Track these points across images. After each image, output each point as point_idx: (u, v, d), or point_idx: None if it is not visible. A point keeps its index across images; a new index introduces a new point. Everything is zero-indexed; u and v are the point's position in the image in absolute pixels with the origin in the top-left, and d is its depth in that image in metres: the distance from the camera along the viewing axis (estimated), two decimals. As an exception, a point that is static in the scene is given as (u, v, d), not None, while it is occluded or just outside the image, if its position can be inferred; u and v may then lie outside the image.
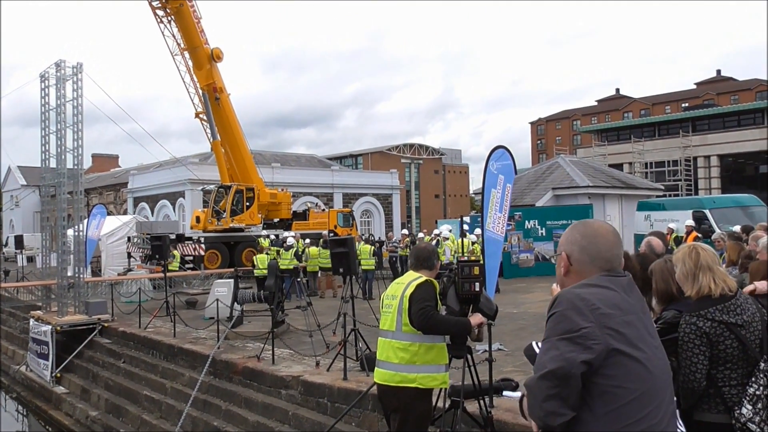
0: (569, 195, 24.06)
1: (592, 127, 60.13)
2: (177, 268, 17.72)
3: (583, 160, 30.71)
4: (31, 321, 14.32)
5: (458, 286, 4.02)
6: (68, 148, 13.69)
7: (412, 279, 3.96)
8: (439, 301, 3.89)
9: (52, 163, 13.96)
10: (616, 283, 1.95)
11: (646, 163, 44.16)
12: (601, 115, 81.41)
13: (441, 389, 4.45)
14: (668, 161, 43.34)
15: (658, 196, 27.21)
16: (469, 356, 4.27)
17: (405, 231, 23.45)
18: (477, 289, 3.98)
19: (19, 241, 32.57)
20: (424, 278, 3.93)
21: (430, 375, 3.83)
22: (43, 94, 14.04)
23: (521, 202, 23.68)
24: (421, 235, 20.72)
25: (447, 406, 4.23)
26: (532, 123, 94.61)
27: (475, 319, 3.94)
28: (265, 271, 15.15)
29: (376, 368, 4.05)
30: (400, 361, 3.82)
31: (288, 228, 24.84)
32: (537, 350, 2.33)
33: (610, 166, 36.88)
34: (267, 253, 16.46)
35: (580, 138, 78.68)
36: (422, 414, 3.84)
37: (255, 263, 15.75)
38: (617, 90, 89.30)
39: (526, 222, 19.71)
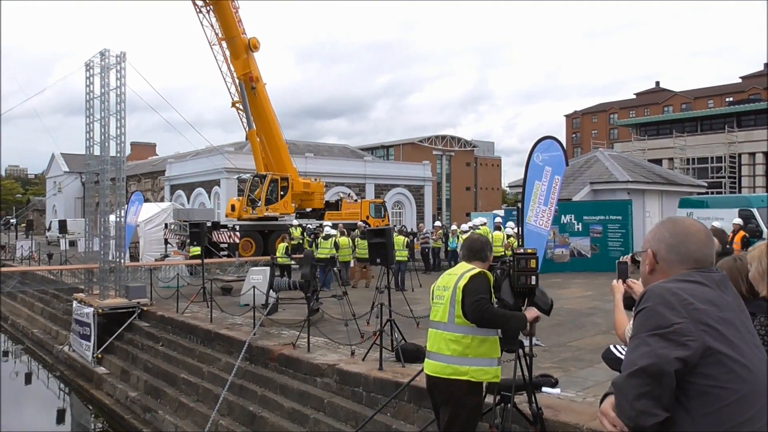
0: (608, 190, 23.54)
1: (630, 121, 58.65)
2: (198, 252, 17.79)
3: (623, 155, 29.98)
4: (74, 303, 14.73)
5: (513, 278, 3.92)
6: (111, 136, 14.01)
7: (465, 270, 3.89)
8: (492, 294, 3.83)
9: (96, 151, 14.30)
10: (708, 278, 1.86)
11: (688, 159, 42.91)
12: (639, 108, 79.44)
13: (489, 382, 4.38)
14: (711, 157, 42.01)
15: (699, 193, 26.41)
16: (520, 350, 4.19)
17: (438, 223, 23.27)
18: (533, 282, 3.90)
19: (62, 226, 33.62)
20: (477, 270, 3.86)
21: (482, 368, 3.76)
22: (87, 83, 14.36)
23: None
24: (454, 227, 20.49)
25: (497, 400, 4.13)
26: (567, 116, 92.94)
27: (531, 313, 3.86)
28: (283, 260, 15.38)
29: (426, 359, 3.99)
30: (452, 353, 3.77)
31: (321, 218, 25.00)
32: (617, 354, 2.27)
33: (650, 161, 35.93)
34: (290, 242, 16.61)
35: (618, 132, 76.96)
36: (473, 408, 3.79)
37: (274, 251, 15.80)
38: (657, 83, 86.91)
39: (563, 216, 19.36)
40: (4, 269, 18.29)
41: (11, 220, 48.66)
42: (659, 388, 1.66)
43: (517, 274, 3.92)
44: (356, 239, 17.07)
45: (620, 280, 2.79)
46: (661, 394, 1.66)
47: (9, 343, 19.64)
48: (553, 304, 4.06)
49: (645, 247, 2.06)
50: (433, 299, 4.07)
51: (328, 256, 15.29)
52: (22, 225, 48.71)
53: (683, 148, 42.86)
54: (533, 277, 3.92)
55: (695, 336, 1.69)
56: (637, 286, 2.70)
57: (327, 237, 15.79)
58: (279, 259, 15.58)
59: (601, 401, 1.88)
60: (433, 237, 20.38)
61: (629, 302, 2.69)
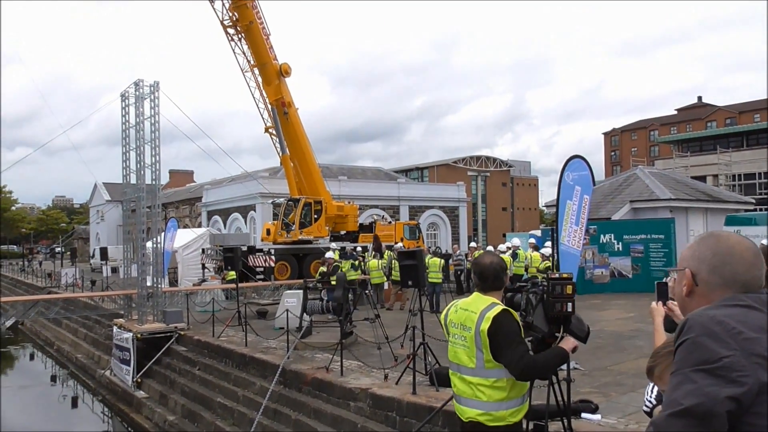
0: (649, 208, 23.00)
1: (671, 137, 57.40)
2: (233, 277, 17.78)
3: (664, 172, 29.30)
4: (114, 328, 15.07)
5: (548, 305, 3.70)
6: (146, 164, 14.40)
7: (484, 308, 3.51)
8: (521, 328, 3.57)
9: (133, 179, 14.70)
10: (758, 300, 1.64)
11: (734, 176, 41.58)
12: (681, 124, 77.65)
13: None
14: (759, 173, 40.61)
15: (747, 210, 25.52)
16: (553, 376, 4.04)
17: (473, 244, 23.15)
18: (569, 309, 3.69)
19: (103, 253, 34.58)
20: (499, 308, 3.49)
21: (518, 408, 3.56)
22: (123, 113, 14.87)
23: (596, 216, 22.85)
24: (473, 244, 20.20)
25: (529, 429, 3.93)
26: (605, 134, 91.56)
27: (568, 344, 3.62)
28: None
29: (456, 404, 3.70)
30: (490, 399, 3.49)
31: (355, 240, 25.13)
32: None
33: (693, 178, 35.00)
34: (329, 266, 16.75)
35: (658, 149, 75.29)
36: None
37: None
38: (699, 98, 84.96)
39: (602, 236, 18.99)
40: (49, 296, 18.85)
41: (57, 249, 50.39)
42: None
43: (553, 301, 3.69)
44: (392, 260, 17.08)
45: (660, 302, 2.65)
46: None
47: (56, 368, 20.26)
48: (589, 331, 3.83)
49: (682, 265, 1.82)
50: (450, 336, 3.72)
51: (359, 278, 15.33)
52: (67, 253, 50.42)
53: (728, 164, 41.60)
54: (569, 304, 3.71)
55: (748, 371, 1.48)
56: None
57: (348, 258, 15.74)
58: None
59: None
60: (470, 259, 20.11)
61: (671, 325, 2.57)
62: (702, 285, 1.75)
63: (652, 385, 2.74)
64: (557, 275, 3.84)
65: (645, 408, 2.86)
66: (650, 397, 2.81)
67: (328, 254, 16.61)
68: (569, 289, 3.72)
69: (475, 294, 3.67)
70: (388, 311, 15.95)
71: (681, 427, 1.46)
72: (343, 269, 15.68)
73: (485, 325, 3.42)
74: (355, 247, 21.51)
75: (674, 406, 1.49)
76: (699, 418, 1.45)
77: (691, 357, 1.53)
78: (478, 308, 3.52)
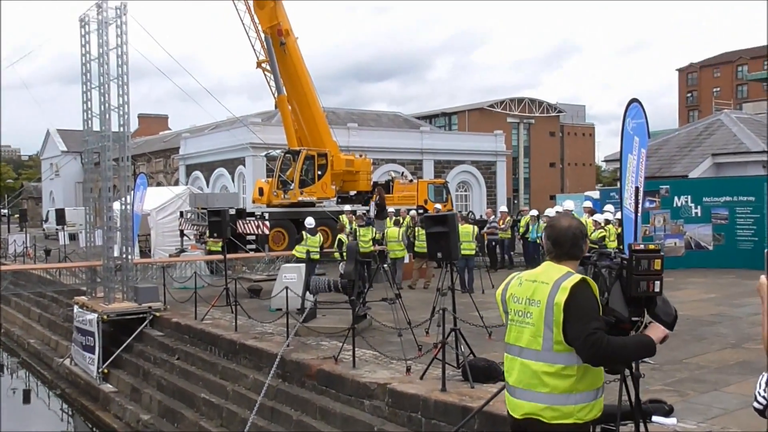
0: (735, 164, 22.66)
1: (765, 74, 56.06)
2: (218, 248, 17.59)
3: (755, 118, 28.74)
4: (75, 308, 15.23)
5: (630, 283, 3.69)
6: (113, 106, 14.25)
7: (558, 277, 3.52)
8: (600, 308, 3.56)
9: (95, 125, 14.62)
10: None
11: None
12: (778, 57, 75.83)
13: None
14: None
15: None
16: (626, 369, 4.05)
17: (504, 208, 22.86)
18: (657, 289, 3.71)
19: (60, 216, 35.00)
20: (576, 277, 3.49)
21: (589, 404, 3.52)
22: (83, 42, 14.74)
23: (669, 173, 22.60)
24: (534, 212, 20.08)
25: None
26: (680, 70, 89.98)
27: (656, 332, 3.61)
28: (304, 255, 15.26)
29: (508, 396, 3.74)
30: (553, 390, 3.48)
31: (367, 202, 25.08)
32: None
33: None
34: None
35: (747, 89, 73.87)
36: None
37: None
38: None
39: (675, 198, 18.76)
40: (-5, 268, 19.06)
41: (2, 211, 51.09)
42: None
43: (637, 278, 3.68)
44: (414, 228, 17.02)
45: None
46: None
47: (4, 356, 20.64)
48: (677, 315, 3.84)
49: None
50: (509, 314, 3.74)
51: (373, 250, 15.30)
52: (15, 216, 51.01)
53: (838, 107, 40.65)
54: (657, 283, 3.70)
55: None
56: None
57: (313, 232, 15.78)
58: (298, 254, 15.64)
59: None
60: (500, 226, 20.07)
61: None
62: None
63: (766, 376, 2.71)
64: (641, 246, 3.83)
65: (756, 405, 2.81)
66: (763, 390, 2.75)
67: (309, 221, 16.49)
68: (657, 264, 3.73)
69: (546, 263, 3.70)
70: (410, 290, 15.97)
71: None
72: (363, 239, 15.71)
73: (561, 297, 3.44)
74: (368, 211, 21.52)
75: None
76: None
77: None
78: (551, 278, 3.55)
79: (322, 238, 16.32)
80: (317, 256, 15.15)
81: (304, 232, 15.80)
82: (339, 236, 17.38)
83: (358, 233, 16.48)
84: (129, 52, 14.21)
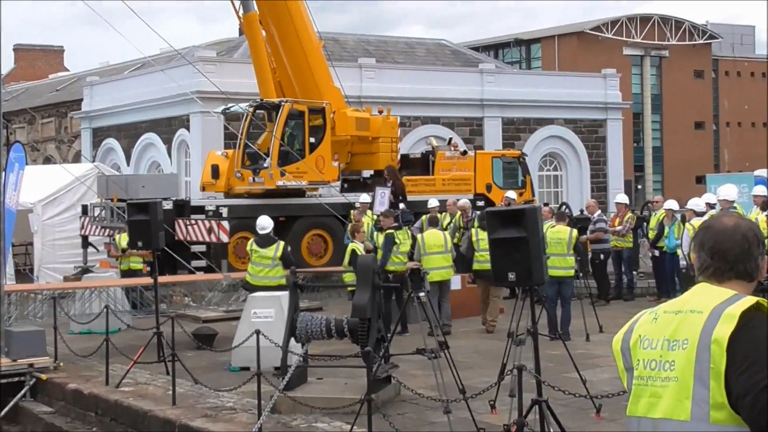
0: None
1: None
2: (140, 265, 15.35)
3: None
4: None
5: None
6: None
7: (720, 303, 2.40)
8: None
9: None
10: None
11: None
12: None
13: None
14: None
15: None
16: None
17: (621, 198, 17.76)
18: None
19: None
20: (749, 300, 2.39)
21: None
22: None
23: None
24: (670, 204, 15.37)
25: None
26: None
27: None
28: (259, 282, 12.79)
29: None
30: None
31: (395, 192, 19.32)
32: None
33: None
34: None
35: None
36: None
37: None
38: None
39: None
40: None
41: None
42: None
43: None
44: (469, 231, 13.60)
45: None
46: None
47: None
48: None
49: None
50: (634, 370, 2.61)
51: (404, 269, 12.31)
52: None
53: None
54: None
55: None
56: None
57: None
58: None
59: None
60: (615, 228, 15.70)
61: None
62: None
63: None
64: None
65: None
66: None
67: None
68: None
69: (700, 285, 2.68)
70: (463, 334, 13.11)
71: None
72: (401, 248, 12.75)
73: (724, 330, 2.39)
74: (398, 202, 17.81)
75: None
76: None
77: None
78: (706, 305, 2.50)
79: (280, 250, 12.61)
80: (270, 282, 12.14)
81: (251, 241, 12.59)
82: (351, 245, 13.55)
83: (377, 239, 13.17)
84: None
